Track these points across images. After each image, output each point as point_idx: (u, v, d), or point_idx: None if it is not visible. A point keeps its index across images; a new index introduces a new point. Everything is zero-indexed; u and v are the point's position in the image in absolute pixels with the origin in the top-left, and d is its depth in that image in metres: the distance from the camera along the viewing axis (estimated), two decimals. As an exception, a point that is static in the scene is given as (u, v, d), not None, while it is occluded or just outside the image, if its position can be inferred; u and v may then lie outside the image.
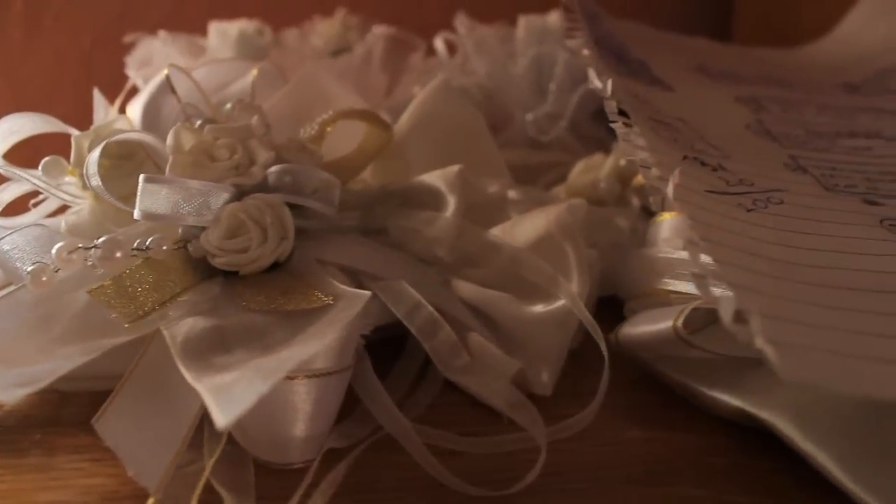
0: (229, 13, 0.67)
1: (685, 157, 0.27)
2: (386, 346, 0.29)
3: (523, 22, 0.44)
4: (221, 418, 0.18)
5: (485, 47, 0.44)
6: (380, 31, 0.47)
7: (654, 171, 0.24)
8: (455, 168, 0.30)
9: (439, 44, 0.45)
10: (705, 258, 0.20)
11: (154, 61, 0.44)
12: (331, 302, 0.25)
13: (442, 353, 0.24)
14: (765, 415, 0.23)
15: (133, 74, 0.42)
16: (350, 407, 0.26)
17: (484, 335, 0.27)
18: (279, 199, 0.27)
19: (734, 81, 0.41)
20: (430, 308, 0.25)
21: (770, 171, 0.29)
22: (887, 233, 0.26)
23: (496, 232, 0.29)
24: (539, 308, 0.27)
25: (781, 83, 0.42)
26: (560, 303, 0.27)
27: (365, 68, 0.44)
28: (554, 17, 0.45)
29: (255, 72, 0.34)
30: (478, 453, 0.24)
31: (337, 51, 0.48)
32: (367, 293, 0.24)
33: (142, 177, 0.26)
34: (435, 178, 0.30)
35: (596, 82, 0.29)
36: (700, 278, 0.19)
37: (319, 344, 0.21)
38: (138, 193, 0.26)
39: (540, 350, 0.27)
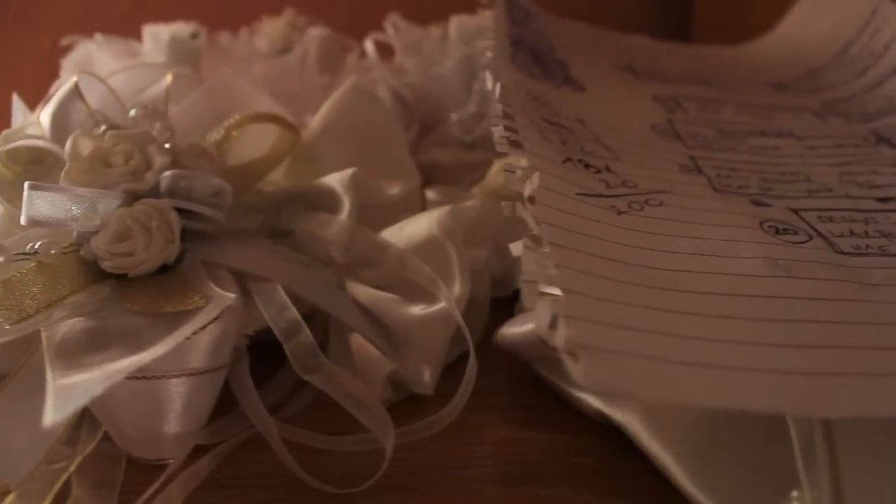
0: (189, 13, 0.67)
1: (567, 160, 0.27)
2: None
3: (455, 22, 0.45)
4: (50, 416, 0.19)
5: (416, 48, 0.44)
6: (315, 32, 0.47)
7: (517, 175, 0.24)
8: (349, 171, 0.30)
9: (369, 45, 0.45)
10: (546, 261, 0.21)
11: (95, 64, 0.44)
12: (203, 304, 0.25)
13: (298, 355, 0.25)
14: (618, 415, 0.23)
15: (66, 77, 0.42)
16: (230, 404, 0.26)
17: (372, 337, 0.28)
18: (167, 204, 0.28)
19: (659, 80, 0.41)
20: (294, 311, 0.26)
21: (661, 173, 0.29)
22: (764, 235, 0.26)
23: (387, 234, 0.29)
24: (421, 309, 0.27)
25: (710, 81, 0.42)
26: (441, 304, 0.27)
27: (301, 70, 0.44)
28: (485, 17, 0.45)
29: (169, 77, 0.34)
30: (350, 451, 0.25)
31: (281, 51, 0.49)
32: (231, 297, 0.24)
33: (26, 184, 0.27)
34: (333, 180, 0.31)
35: (489, 84, 0.30)
36: (531, 283, 0.20)
37: (160, 350, 0.22)
38: (24, 200, 0.27)
39: (422, 350, 0.27)
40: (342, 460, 0.24)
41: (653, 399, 0.17)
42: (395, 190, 0.32)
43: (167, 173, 0.29)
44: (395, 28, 0.44)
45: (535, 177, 0.23)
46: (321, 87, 0.44)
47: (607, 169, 0.28)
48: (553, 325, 0.18)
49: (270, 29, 0.50)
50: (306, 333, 0.25)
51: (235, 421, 0.26)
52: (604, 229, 0.24)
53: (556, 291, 0.20)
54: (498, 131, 0.27)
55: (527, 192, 0.23)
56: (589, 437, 0.25)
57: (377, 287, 0.30)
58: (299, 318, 0.25)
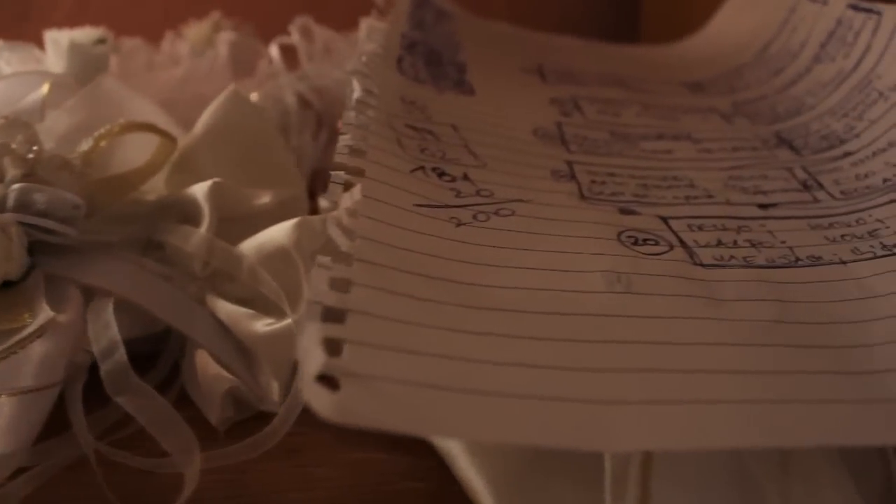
0: (131, 15, 0.66)
1: (419, 169, 0.26)
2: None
3: (364, 25, 0.44)
4: None
5: (325, 51, 0.43)
6: (227, 36, 0.46)
7: (335, 186, 0.23)
8: (210, 181, 0.29)
9: (274, 50, 0.44)
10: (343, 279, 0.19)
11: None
12: (30, 322, 0.24)
13: (111, 375, 0.24)
14: (438, 440, 0.22)
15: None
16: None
17: (218, 353, 0.27)
18: (10, 219, 0.27)
19: (567, 82, 0.39)
20: (115, 330, 0.25)
21: (526, 180, 0.28)
22: (618, 246, 0.25)
23: (245, 245, 0.28)
24: (268, 324, 0.26)
25: (624, 83, 0.41)
26: (289, 319, 0.26)
27: (212, 74, 0.44)
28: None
29: (46, 85, 0.34)
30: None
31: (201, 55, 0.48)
32: (51, 314, 0.24)
33: None
34: (197, 190, 0.30)
35: (357, 90, 0.29)
36: (312, 304, 0.18)
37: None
38: None
39: (270, 366, 0.26)
40: (166, 481, 0.23)
41: (412, 431, 0.16)
42: (266, 199, 0.31)
43: (15, 186, 0.28)
44: (302, 32, 0.43)
45: (357, 188, 0.22)
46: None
47: (465, 177, 0.27)
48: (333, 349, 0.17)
49: (193, 32, 0.49)
50: (121, 353, 0.24)
51: (66, 442, 0.25)
52: (433, 243, 0.23)
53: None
54: (343, 139, 0.26)
55: (344, 203, 0.22)
56: (431, 459, 0.24)
57: (239, 301, 0.29)
58: (118, 337, 0.24)
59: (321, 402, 0.16)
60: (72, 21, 0.62)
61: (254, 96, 0.41)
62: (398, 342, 0.18)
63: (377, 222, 0.22)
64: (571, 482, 0.20)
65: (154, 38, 0.55)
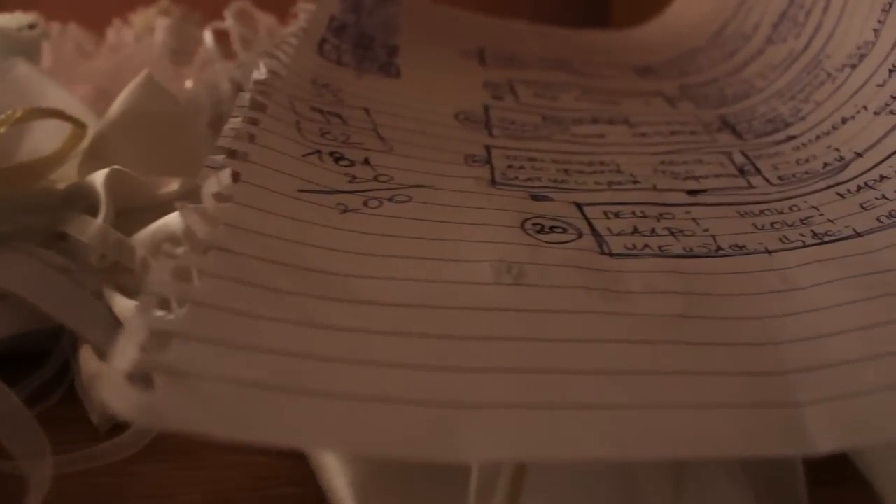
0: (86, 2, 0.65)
1: (314, 153, 0.25)
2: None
3: (302, 8, 0.42)
4: None
5: (266, 38, 0.41)
6: (165, 22, 0.45)
7: (208, 171, 0.21)
8: (107, 169, 0.28)
9: (208, 36, 0.43)
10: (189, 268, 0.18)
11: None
12: None
13: None
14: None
15: None
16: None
17: (105, 350, 0.25)
18: None
19: (506, 65, 0.38)
20: None
21: (434, 165, 0.26)
22: (518, 234, 0.23)
23: (140, 235, 0.27)
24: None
25: (569, 66, 0.39)
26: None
27: (151, 60, 0.42)
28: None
29: (-49, 71, 0.32)
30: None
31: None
32: None
33: None
34: (96, 178, 0.28)
35: (259, 73, 0.27)
36: (147, 295, 0.17)
37: None
38: None
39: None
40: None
41: (233, 436, 0.15)
42: (174, 187, 0.29)
43: None
44: (239, 17, 0.42)
45: (225, 173, 0.21)
46: (172, 79, 0.41)
47: (365, 161, 0.25)
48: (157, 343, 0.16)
49: (139, 19, 0.48)
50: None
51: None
52: (309, 231, 0.21)
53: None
54: (231, 122, 0.24)
55: (211, 189, 0.20)
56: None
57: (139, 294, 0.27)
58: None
59: (124, 401, 0.14)
60: (26, 7, 0.61)
61: (189, 84, 0.40)
62: (236, 337, 0.17)
63: (247, 208, 0.21)
64: (438, 486, 0.18)
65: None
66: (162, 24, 0.44)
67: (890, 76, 0.29)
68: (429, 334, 0.18)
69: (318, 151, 0.25)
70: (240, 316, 0.17)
